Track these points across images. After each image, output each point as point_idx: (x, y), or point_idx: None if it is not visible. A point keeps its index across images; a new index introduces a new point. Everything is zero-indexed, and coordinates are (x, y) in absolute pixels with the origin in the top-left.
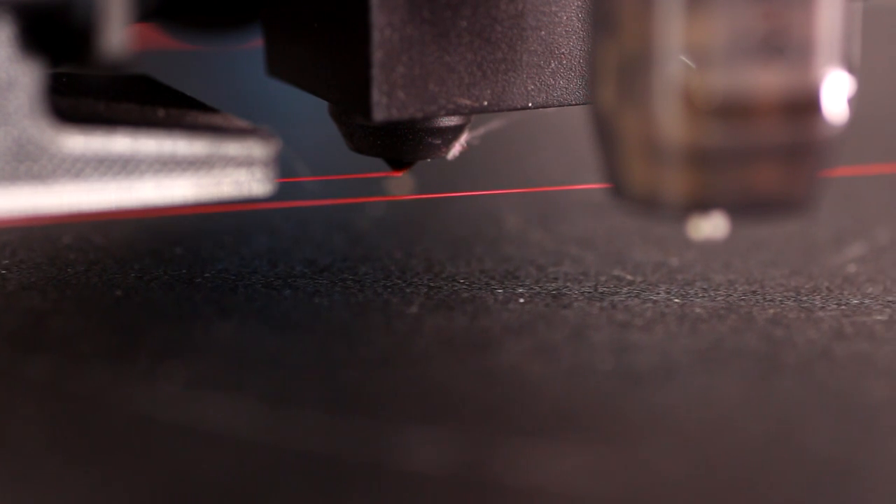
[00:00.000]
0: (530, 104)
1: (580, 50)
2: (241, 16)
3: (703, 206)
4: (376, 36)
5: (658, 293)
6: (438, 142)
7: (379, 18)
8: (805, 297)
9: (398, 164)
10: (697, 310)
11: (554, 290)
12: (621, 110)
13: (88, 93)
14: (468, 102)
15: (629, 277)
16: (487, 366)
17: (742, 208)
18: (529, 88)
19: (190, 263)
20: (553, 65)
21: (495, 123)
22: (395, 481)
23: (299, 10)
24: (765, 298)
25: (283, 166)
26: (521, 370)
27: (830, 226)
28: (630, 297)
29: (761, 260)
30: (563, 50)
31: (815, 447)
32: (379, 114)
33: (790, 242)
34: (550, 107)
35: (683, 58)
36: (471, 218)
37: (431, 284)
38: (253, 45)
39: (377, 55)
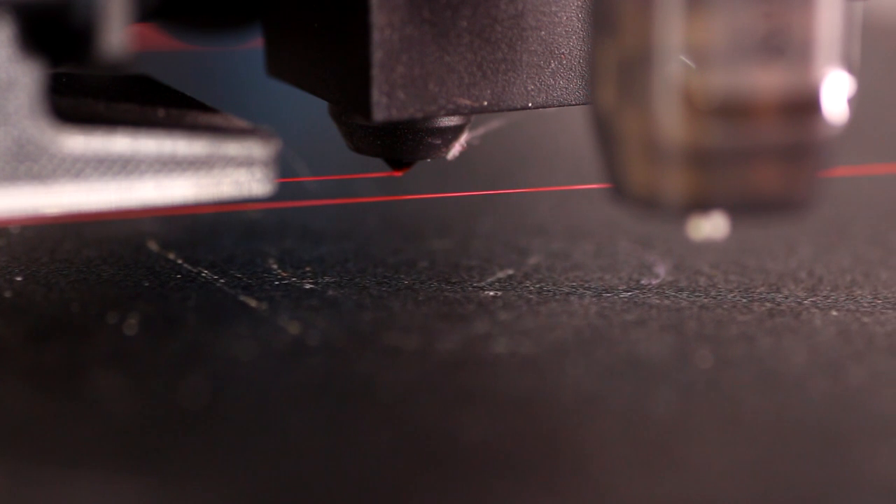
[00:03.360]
0: (530, 104)
1: (580, 50)
2: (241, 16)
3: (703, 206)
4: (376, 36)
5: (281, 320)
6: (438, 142)
7: (379, 18)
8: (432, 326)
9: (398, 164)
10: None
11: (171, 316)
12: (621, 110)
13: (88, 93)
14: (468, 102)
15: (254, 304)
16: (71, 401)
17: (742, 208)
18: (529, 88)
19: None
20: (553, 65)
21: (495, 123)
22: None
23: (299, 11)
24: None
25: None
26: (107, 406)
27: (483, 249)
28: (251, 325)
29: (392, 285)
30: (563, 50)
31: (397, 485)
32: (379, 114)
33: (437, 263)
34: (550, 107)
35: (683, 58)
36: (108, 241)
37: (45, 313)
38: (253, 45)
39: (377, 55)
